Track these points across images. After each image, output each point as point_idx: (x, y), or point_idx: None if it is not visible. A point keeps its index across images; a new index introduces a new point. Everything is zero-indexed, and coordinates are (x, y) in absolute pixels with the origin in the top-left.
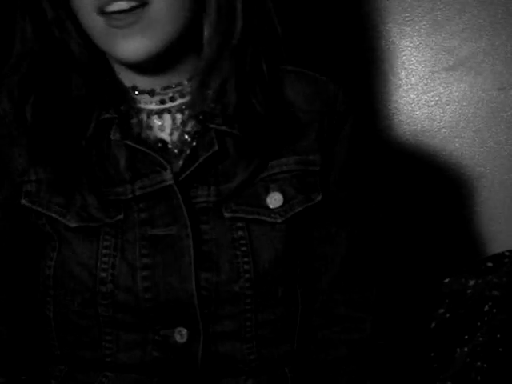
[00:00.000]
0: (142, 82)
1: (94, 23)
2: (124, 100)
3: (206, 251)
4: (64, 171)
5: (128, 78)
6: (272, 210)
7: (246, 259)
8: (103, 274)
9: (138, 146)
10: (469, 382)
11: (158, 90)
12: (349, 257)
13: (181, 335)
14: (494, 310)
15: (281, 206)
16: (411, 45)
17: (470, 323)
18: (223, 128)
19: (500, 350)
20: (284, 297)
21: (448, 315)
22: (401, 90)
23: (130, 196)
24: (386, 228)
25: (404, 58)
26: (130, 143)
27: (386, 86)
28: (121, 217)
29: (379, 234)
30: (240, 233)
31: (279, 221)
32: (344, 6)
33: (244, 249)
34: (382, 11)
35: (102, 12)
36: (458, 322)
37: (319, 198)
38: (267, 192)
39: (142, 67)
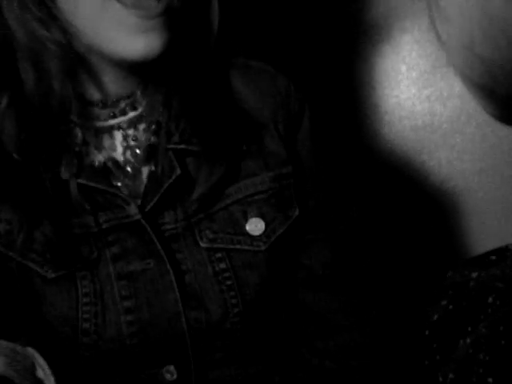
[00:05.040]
0: (94, 89)
1: (100, 12)
2: (69, 114)
3: (188, 285)
4: (24, 209)
5: (77, 84)
6: (253, 237)
7: (232, 293)
8: (86, 325)
9: (94, 185)
10: (471, 374)
11: (109, 102)
12: (329, 262)
13: (170, 373)
14: (498, 303)
15: (263, 233)
16: (412, 40)
17: (473, 315)
18: (182, 146)
19: (502, 342)
20: (271, 317)
21: (451, 307)
22: (402, 84)
23: (96, 229)
24: (365, 227)
25: (405, 52)
26: (84, 182)
27: (386, 80)
28: (95, 255)
29: (358, 234)
30: (222, 265)
31: (263, 248)
32: (344, 0)
33: (229, 282)
34: (383, 6)
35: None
36: (461, 314)
37: (297, 212)
38: (245, 217)
39: (127, 69)
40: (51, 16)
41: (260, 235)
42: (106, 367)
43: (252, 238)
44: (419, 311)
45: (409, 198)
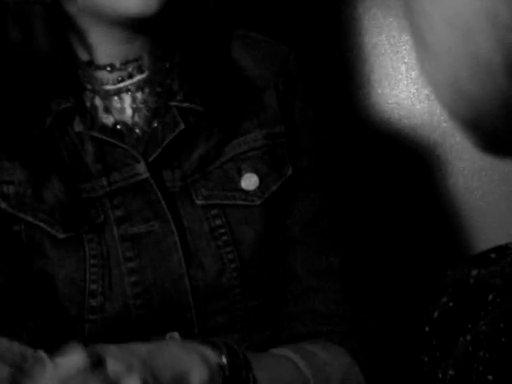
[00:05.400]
0: (103, 53)
1: None
2: (78, 79)
3: (185, 243)
4: (34, 168)
5: (86, 49)
6: (248, 192)
7: (228, 249)
8: (93, 287)
9: (107, 138)
10: (471, 372)
11: (117, 65)
12: (312, 220)
13: (173, 339)
14: (498, 300)
15: (257, 187)
16: (412, 39)
17: (473, 312)
18: (185, 105)
19: (502, 340)
20: (270, 279)
21: (451, 304)
22: (401, 84)
23: (101, 193)
24: (352, 196)
25: (404, 52)
26: (97, 135)
27: (386, 80)
28: (101, 218)
29: (345, 200)
30: (217, 221)
31: (258, 203)
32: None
33: (225, 238)
34: (383, 5)
35: None
36: (461, 311)
37: (290, 171)
38: (240, 174)
39: (130, 30)
40: None
41: (254, 190)
42: (110, 336)
43: (247, 193)
44: (419, 308)
45: (408, 196)
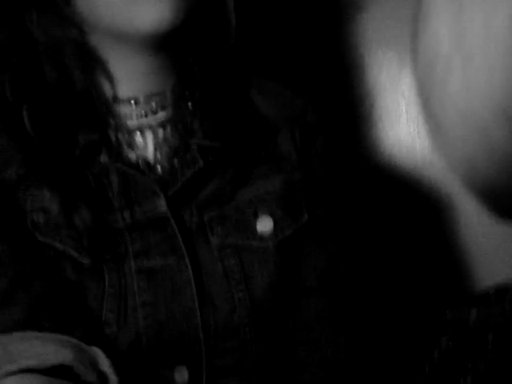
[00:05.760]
0: (126, 86)
1: None
2: (103, 114)
3: (200, 281)
4: (64, 196)
5: (110, 83)
6: (262, 234)
7: (240, 288)
8: (109, 316)
9: (131, 171)
10: None
11: (141, 99)
12: (328, 269)
13: (181, 375)
14: (498, 340)
15: (272, 231)
16: (412, 74)
17: (474, 352)
18: (205, 143)
19: (503, 381)
20: (280, 324)
21: (451, 344)
22: (401, 120)
23: (122, 225)
24: (363, 241)
25: (404, 88)
26: (122, 167)
27: (386, 116)
28: (122, 249)
29: (357, 247)
30: (231, 260)
31: (271, 246)
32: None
33: (237, 277)
34: (383, 41)
35: None
36: (461, 351)
37: (306, 218)
38: (256, 216)
39: (151, 51)
40: (65, 14)
41: (269, 234)
42: (121, 366)
43: (261, 235)
44: (419, 348)
45: (408, 236)
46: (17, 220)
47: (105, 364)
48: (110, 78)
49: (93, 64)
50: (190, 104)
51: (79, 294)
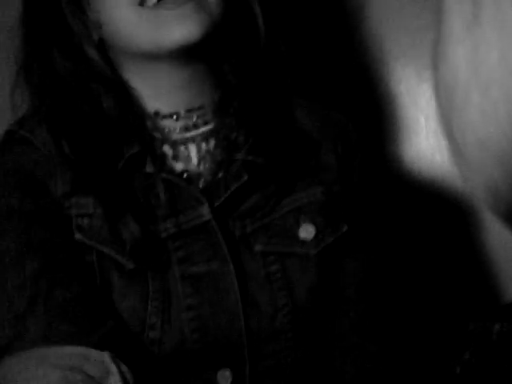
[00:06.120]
0: (166, 102)
1: (133, 16)
2: (147, 130)
3: (244, 286)
4: (109, 205)
5: (152, 100)
6: (305, 241)
7: (282, 293)
8: (153, 319)
9: (176, 179)
10: None
11: (182, 114)
12: (366, 280)
13: (224, 378)
14: None
15: (314, 238)
16: (431, 89)
17: (496, 368)
18: (250, 158)
19: None
20: (319, 330)
21: (473, 360)
22: (421, 135)
23: (165, 235)
24: (394, 256)
25: (423, 103)
26: (168, 177)
27: (405, 131)
28: (165, 257)
29: (390, 258)
30: (274, 267)
31: (313, 253)
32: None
33: (280, 283)
34: (401, 56)
35: (142, 3)
36: (483, 367)
37: (346, 227)
38: (298, 224)
39: (181, 64)
40: (88, 48)
41: (311, 240)
42: (165, 369)
43: (303, 242)
44: (441, 362)
45: (431, 249)
46: (60, 219)
47: (114, 375)
48: (150, 96)
49: (124, 90)
50: (232, 118)
51: (106, 298)
